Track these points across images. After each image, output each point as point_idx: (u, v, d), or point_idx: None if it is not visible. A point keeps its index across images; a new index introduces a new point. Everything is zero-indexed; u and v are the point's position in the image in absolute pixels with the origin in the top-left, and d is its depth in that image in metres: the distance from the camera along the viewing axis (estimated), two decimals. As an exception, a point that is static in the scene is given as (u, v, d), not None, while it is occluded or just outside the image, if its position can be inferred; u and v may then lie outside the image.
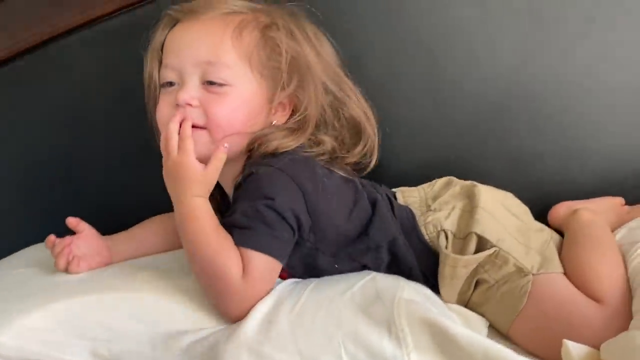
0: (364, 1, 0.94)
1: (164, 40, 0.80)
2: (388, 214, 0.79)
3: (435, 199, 0.83)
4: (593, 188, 0.93)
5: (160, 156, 0.75)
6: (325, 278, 0.76)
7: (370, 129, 0.84)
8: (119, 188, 1.04)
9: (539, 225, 0.85)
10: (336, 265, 0.77)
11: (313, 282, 0.74)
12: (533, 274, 0.73)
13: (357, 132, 0.84)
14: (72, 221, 0.84)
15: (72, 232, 0.84)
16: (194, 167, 0.72)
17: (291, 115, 0.80)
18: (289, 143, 0.77)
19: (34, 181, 1.06)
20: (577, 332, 0.66)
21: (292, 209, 0.72)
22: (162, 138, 0.74)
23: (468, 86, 0.94)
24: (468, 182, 0.84)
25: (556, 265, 0.76)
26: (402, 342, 0.62)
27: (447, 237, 0.78)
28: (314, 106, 0.79)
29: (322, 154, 0.80)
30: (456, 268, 0.75)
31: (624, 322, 0.66)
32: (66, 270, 0.80)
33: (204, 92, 0.75)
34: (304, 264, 0.77)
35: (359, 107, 0.84)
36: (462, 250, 0.77)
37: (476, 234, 0.76)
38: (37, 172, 1.06)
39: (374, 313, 0.65)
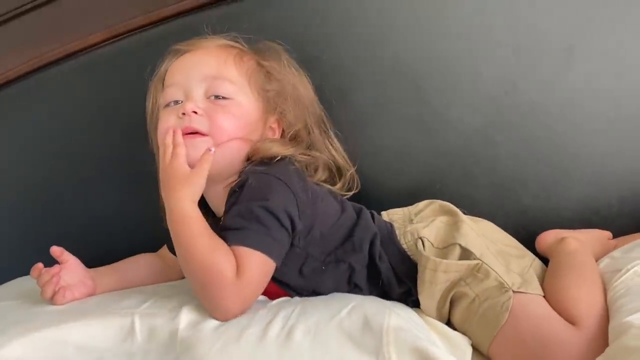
0: (351, 33, 0.97)
1: (167, 70, 0.87)
2: (369, 221, 0.83)
3: (417, 214, 0.86)
4: (577, 215, 0.93)
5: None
6: (312, 299, 0.76)
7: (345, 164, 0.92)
8: (104, 218, 1.05)
9: (519, 252, 0.86)
10: (323, 267, 0.79)
11: (299, 304, 0.74)
12: (514, 291, 0.74)
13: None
14: (56, 250, 0.84)
15: (55, 262, 0.84)
16: (182, 170, 0.75)
17: (282, 136, 0.87)
18: (287, 149, 0.83)
19: (18, 212, 1.07)
20: (553, 354, 0.67)
21: (286, 211, 0.74)
22: (160, 150, 0.79)
23: (452, 115, 0.96)
24: (446, 203, 0.87)
25: (535, 287, 0.76)
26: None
27: (424, 245, 0.80)
28: (302, 126, 0.87)
29: (313, 169, 0.87)
30: (436, 272, 0.76)
31: (601, 346, 0.65)
32: (52, 300, 0.80)
33: (208, 104, 0.81)
34: (293, 269, 0.78)
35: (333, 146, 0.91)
36: (442, 258, 0.78)
37: (460, 245, 0.78)
38: (22, 202, 1.06)
39: (362, 342, 0.65)
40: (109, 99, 1.04)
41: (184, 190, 0.74)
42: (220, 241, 0.72)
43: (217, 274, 0.69)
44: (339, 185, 0.89)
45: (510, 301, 0.73)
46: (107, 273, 0.88)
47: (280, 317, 0.70)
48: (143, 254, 0.94)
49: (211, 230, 0.73)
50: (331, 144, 0.92)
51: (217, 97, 0.82)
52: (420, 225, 0.83)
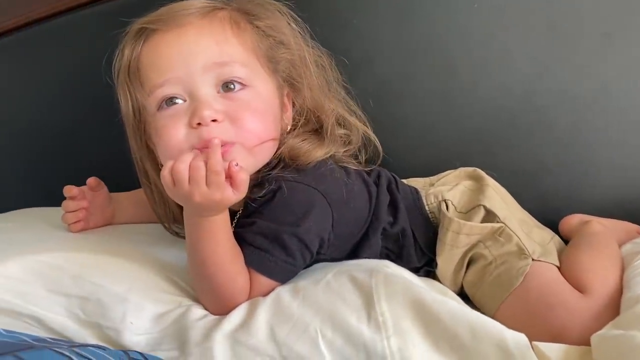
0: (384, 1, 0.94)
1: (139, 57, 0.69)
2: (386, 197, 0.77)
3: (438, 180, 0.84)
4: (600, 206, 0.90)
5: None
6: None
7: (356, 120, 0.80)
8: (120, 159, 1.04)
9: (541, 225, 0.85)
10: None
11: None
12: (533, 259, 0.72)
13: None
14: (92, 181, 0.82)
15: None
16: (230, 200, 0.61)
17: (297, 116, 0.74)
18: (325, 152, 0.71)
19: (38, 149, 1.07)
20: (559, 318, 0.66)
21: (317, 234, 0.68)
22: (176, 169, 0.60)
23: (480, 93, 0.93)
24: (472, 168, 0.85)
25: (554, 259, 0.75)
26: (382, 326, 0.59)
27: (447, 207, 0.77)
28: (325, 97, 0.73)
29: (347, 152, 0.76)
30: (459, 235, 0.75)
31: (609, 317, 0.63)
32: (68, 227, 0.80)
33: (225, 102, 0.66)
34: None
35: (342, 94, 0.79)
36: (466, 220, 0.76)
37: (485, 207, 0.77)
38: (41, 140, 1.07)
39: (351, 298, 0.62)
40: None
41: (220, 210, 0.63)
42: (239, 259, 0.66)
43: (227, 294, 0.65)
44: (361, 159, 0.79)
45: (527, 267, 0.71)
46: (126, 206, 0.87)
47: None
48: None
49: (233, 246, 0.66)
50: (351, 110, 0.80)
51: (229, 86, 0.66)
52: (444, 188, 0.81)
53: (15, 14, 1.01)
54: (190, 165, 0.59)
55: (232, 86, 0.66)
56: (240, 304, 0.66)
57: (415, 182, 0.85)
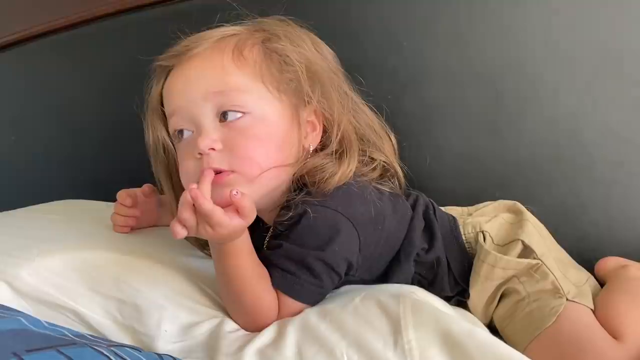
0: (436, 25, 0.94)
1: (161, 93, 0.72)
2: (420, 222, 0.77)
3: (476, 210, 0.83)
4: (638, 251, 0.88)
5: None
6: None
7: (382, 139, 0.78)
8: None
9: (577, 265, 0.83)
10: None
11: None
12: (567, 299, 0.71)
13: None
14: (147, 189, 0.83)
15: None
16: (240, 227, 0.63)
17: (323, 134, 0.73)
18: (345, 173, 0.69)
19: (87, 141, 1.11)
20: None
21: (344, 257, 0.68)
22: (180, 217, 0.61)
23: (526, 125, 0.92)
24: (512, 201, 0.84)
25: (588, 301, 0.74)
26: (408, 353, 0.60)
27: (484, 239, 0.77)
28: (344, 115, 0.72)
29: (374, 172, 0.75)
30: (495, 268, 0.74)
31: None
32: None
33: (224, 130, 0.66)
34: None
35: (367, 116, 0.78)
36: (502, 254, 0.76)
37: (523, 242, 0.76)
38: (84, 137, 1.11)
39: (378, 323, 0.63)
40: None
41: (236, 236, 0.64)
42: (264, 281, 0.67)
43: (256, 316, 0.67)
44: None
45: (561, 307, 0.70)
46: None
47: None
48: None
49: (258, 267, 0.68)
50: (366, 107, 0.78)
51: (228, 114, 0.66)
52: (483, 219, 0.80)
53: (77, 10, 1.03)
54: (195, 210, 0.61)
55: (230, 115, 0.67)
56: (270, 322, 0.67)
57: (453, 211, 0.84)
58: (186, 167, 0.69)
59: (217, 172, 0.65)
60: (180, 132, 0.69)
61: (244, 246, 0.66)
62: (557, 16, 0.90)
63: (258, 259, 0.68)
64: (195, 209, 0.60)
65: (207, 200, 0.60)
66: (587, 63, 0.90)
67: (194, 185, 0.60)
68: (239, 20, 0.75)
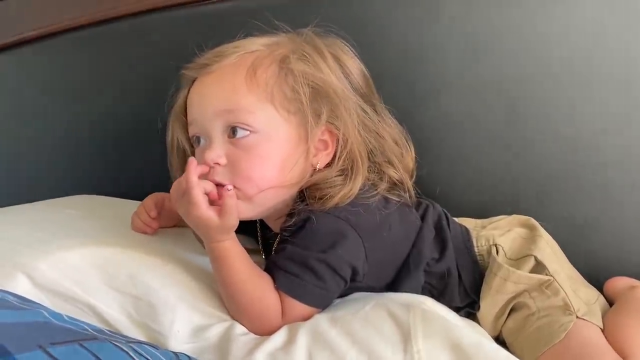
0: (457, 35, 0.95)
1: (186, 100, 0.76)
2: (430, 234, 0.78)
3: (490, 223, 0.84)
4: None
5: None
6: (337, 301, 0.75)
7: (403, 154, 0.80)
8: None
9: (588, 284, 0.84)
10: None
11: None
12: (577, 317, 0.72)
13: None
14: None
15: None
16: (208, 219, 0.66)
17: (336, 152, 0.73)
18: (346, 194, 0.70)
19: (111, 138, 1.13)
20: None
21: (348, 262, 0.69)
22: (173, 186, 0.69)
23: (542, 142, 0.93)
24: (525, 217, 0.85)
25: (598, 320, 0.75)
26: (417, 362, 0.60)
27: (497, 252, 0.78)
28: (355, 136, 0.72)
29: (383, 183, 0.76)
30: (506, 282, 0.75)
31: None
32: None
33: (230, 147, 0.70)
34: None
35: (392, 128, 0.79)
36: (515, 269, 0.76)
37: (535, 257, 0.76)
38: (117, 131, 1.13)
39: (388, 331, 0.64)
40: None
41: (218, 235, 0.67)
42: (264, 281, 0.69)
43: (260, 318, 0.69)
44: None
45: (570, 324, 0.71)
46: None
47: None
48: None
49: (254, 268, 0.70)
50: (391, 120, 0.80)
51: (235, 131, 0.69)
52: (496, 232, 0.81)
53: (104, 7, 1.04)
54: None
55: (238, 132, 0.69)
56: (275, 326, 0.68)
57: (466, 222, 0.85)
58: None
59: (221, 184, 0.68)
60: (197, 138, 0.73)
61: (234, 249, 0.69)
62: (575, 33, 0.91)
63: (253, 262, 0.70)
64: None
65: (196, 176, 0.65)
66: (605, 81, 0.91)
67: (196, 162, 0.66)
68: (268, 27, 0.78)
